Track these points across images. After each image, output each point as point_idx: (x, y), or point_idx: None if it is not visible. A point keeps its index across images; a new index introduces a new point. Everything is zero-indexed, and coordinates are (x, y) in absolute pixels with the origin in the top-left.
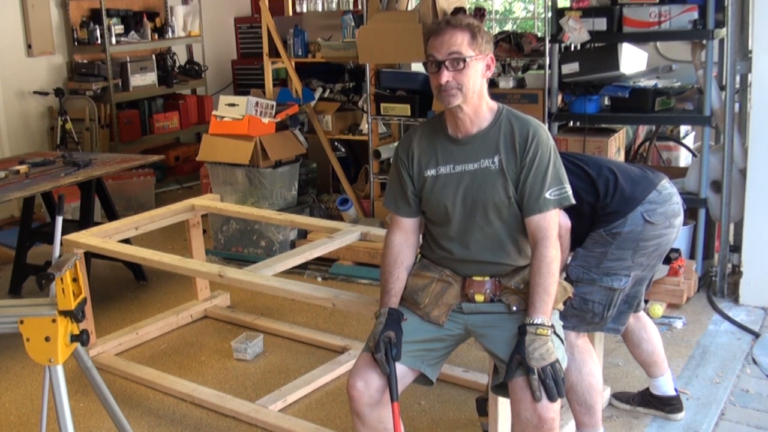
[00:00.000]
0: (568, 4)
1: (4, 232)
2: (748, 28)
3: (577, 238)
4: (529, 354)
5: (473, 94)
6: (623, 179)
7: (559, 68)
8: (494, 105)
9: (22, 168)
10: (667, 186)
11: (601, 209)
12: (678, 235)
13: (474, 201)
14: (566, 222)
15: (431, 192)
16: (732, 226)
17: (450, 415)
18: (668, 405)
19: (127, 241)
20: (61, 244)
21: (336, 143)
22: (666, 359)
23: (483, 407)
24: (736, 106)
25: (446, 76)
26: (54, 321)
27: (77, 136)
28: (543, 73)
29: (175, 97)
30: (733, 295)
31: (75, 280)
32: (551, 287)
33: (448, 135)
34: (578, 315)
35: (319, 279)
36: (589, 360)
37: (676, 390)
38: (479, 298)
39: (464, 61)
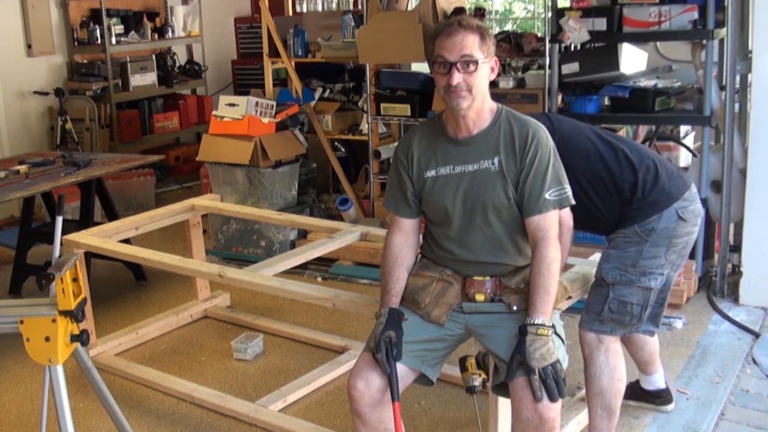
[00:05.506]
0: (568, 4)
1: (4, 232)
2: (748, 28)
3: (599, 223)
4: (529, 354)
5: (480, 96)
6: (663, 173)
7: (559, 68)
8: (494, 106)
9: (22, 168)
10: (693, 186)
11: (637, 201)
12: None
13: (474, 202)
14: (569, 221)
15: (431, 193)
16: (732, 226)
17: (450, 415)
18: (658, 398)
19: (127, 241)
20: (61, 244)
21: (336, 143)
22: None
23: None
24: (736, 106)
25: (458, 77)
26: (54, 321)
27: (77, 136)
28: (543, 73)
29: (175, 97)
30: (733, 295)
31: (75, 280)
32: (552, 287)
33: (447, 135)
34: (616, 319)
35: (319, 279)
36: (621, 365)
37: (665, 382)
38: (480, 297)
39: (476, 63)
